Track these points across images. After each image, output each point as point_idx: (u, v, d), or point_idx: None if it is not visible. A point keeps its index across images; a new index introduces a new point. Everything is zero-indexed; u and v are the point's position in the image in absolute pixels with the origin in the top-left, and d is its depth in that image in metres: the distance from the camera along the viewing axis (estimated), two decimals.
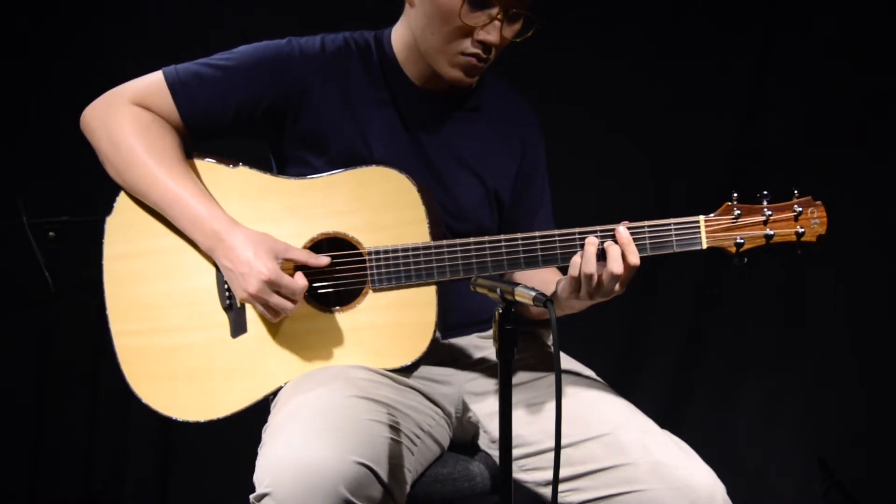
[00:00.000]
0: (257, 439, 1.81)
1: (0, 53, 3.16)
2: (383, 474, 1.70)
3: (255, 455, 1.75)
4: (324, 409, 1.75)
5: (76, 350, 3.12)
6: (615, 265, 1.84)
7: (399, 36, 2.05)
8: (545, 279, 2.08)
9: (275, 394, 1.94)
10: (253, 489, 1.70)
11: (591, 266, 1.85)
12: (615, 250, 1.84)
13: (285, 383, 1.93)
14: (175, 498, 3.25)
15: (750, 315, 3.37)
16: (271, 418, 1.84)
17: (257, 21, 3.16)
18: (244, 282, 1.88)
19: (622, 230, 1.86)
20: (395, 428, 1.80)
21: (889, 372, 3.29)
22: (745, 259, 1.92)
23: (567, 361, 2.09)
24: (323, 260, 1.93)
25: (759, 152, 3.32)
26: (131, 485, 3.26)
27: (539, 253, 1.91)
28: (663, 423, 1.93)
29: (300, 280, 1.90)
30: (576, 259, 1.87)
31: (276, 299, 1.88)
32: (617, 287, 1.86)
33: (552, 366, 1.86)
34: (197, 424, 1.95)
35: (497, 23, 1.93)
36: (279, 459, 1.67)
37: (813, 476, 3.30)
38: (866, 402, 3.31)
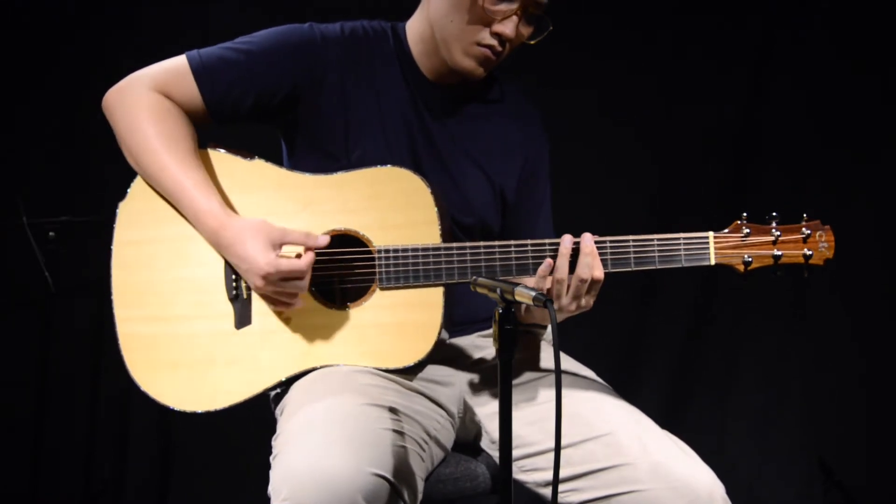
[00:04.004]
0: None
1: (0, 53, 3.16)
2: (398, 483, 1.70)
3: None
4: (338, 419, 1.74)
5: (76, 350, 3.12)
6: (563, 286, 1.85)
7: (414, 29, 2.07)
8: None
9: (275, 388, 1.94)
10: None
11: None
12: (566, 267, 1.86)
13: (286, 377, 1.93)
14: (175, 498, 3.25)
15: (750, 316, 3.37)
16: (282, 426, 1.81)
17: (258, 20, 3.16)
18: (248, 277, 1.90)
19: (587, 240, 1.87)
20: (405, 435, 1.80)
21: (889, 372, 3.29)
22: (754, 276, 1.94)
23: (567, 362, 2.08)
24: (322, 240, 1.91)
25: (759, 151, 3.32)
26: (131, 485, 3.26)
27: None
28: (663, 423, 1.93)
29: (305, 258, 1.88)
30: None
31: (280, 287, 1.88)
32: (578, 304, 1.88)
33: (552, 366, 1.86)
34: (195, 415, 1.93)
35: (515, 17, 1.95)
36: (297, 470, 1.65)
37: (813, 476, 3.30)
38: (866, 403, 3.31)
